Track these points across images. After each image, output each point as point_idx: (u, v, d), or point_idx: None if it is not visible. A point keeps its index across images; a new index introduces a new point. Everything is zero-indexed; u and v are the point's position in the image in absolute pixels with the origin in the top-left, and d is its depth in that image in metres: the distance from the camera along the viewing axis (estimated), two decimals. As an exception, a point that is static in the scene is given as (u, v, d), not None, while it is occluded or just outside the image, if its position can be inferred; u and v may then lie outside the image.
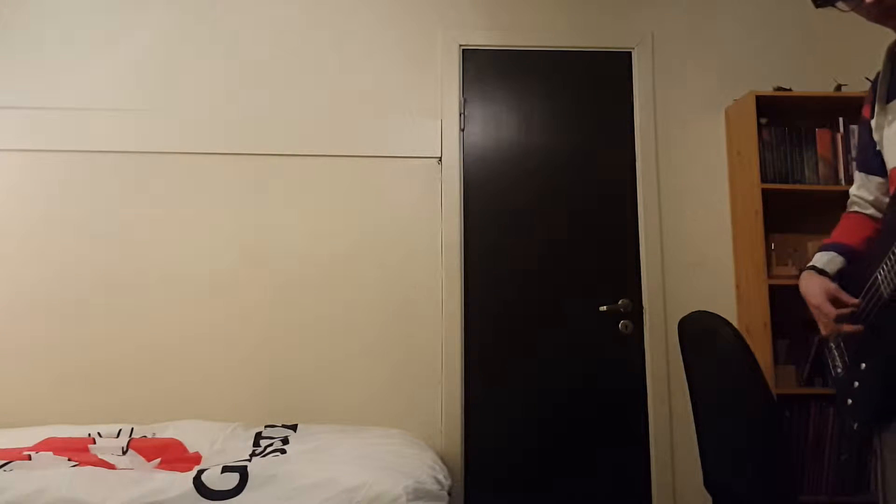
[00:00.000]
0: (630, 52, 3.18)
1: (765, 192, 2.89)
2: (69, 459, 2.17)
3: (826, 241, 1.60)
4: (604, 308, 3.02)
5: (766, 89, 3.12)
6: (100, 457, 2.25)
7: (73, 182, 2.95)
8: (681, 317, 2.29)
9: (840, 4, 1.33)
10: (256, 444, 2.40)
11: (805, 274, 1.54)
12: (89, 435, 2.50)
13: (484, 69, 3.14)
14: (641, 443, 2.97)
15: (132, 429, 2.58)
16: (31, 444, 2.36)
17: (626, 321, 3.01)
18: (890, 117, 1.41)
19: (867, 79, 3.08)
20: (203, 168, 2.99)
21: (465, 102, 3.11)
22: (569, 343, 3.00)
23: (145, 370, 2.86)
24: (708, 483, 2.01)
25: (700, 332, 1.95)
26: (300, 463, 2.11)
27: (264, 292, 2.94)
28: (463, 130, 3.09)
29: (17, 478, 1.93)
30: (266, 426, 2.67)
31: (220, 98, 3.04)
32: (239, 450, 2.33)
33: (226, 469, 2.00)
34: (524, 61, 3.16)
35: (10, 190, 2.93)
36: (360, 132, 3.04)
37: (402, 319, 2.97)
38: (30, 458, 2.16)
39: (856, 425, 1.45)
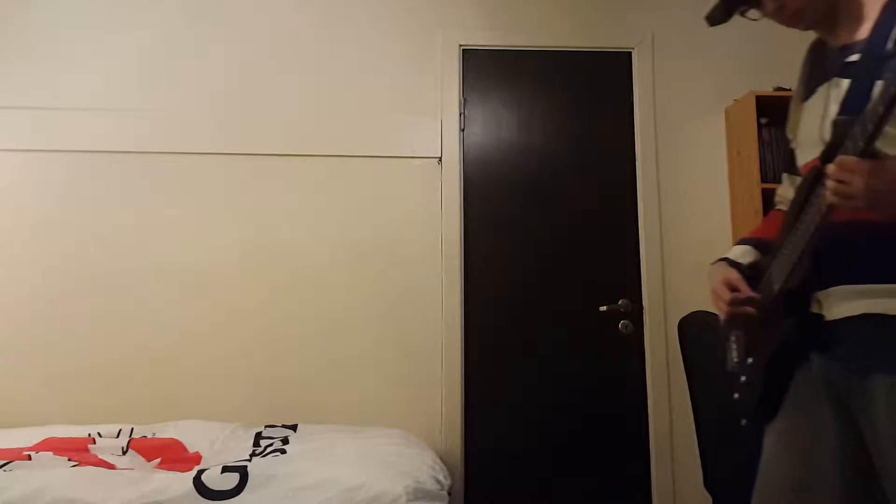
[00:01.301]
0: (630, 52, 3.18)
1: (765, 192, 2.89)
2: (69, 459, 2.17)
3: (745, 234, 1.62)
4: (604, 308, 3.02)
5: (766, 89, 3.12)
6: (100, 457, 2.25)
7: (73, 182, 2.95)
8: (681, 317, 2.29)
9: (751, 13, 1.43)
10: (256, 444, 2.40)
11: (715, 264, 1.55)
12: (89, 435, 2.50)
13: (484, 69, 3.14)
14: (641, 443, 2.96)
15: (132, 429, 2.58)
16: (31, 444, 2.35)
17: (626, 321, 3.01)
18: (805, 115, 1.44)
19: (867, 79, 3.07)
20: (203, 168, 2.99)
21: (465, 102, 3.11)
22: (569, 343, 3.00)
23: (145, 370, 2.86)
24: (708, 483, 2.01)
25: (700, 332, 1.95)
26: (300, 463, 2.11)
27: (264, 292, 2.94)
28: (463, 130, 3.09)
29: (17, 478, 1.94)
30: (266, 426, 2.67)
31: (220, 98, 3.04)
32: (239, 450, 2.33)
33: (226, 469, 2.00)
34: (524, 61, 3.16)
35: (10, 190, 2.92)
36: (360, 132, 3.04)
37: (403, 319, 2.97)
38: (30, 458, 2.16)
39: (743, 421, 1.47)
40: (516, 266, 3.04)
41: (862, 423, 1.26)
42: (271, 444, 2.36)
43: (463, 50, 3.14)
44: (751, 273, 1.46)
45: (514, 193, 3.08)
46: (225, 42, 3.08)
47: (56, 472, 1.98)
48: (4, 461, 2.08)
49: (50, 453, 2.22)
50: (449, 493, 2.27)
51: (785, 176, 1.62)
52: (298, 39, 3.10)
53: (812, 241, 1.22)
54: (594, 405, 2.99)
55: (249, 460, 2.13)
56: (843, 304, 1.26)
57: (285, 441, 2.41)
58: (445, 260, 2.99)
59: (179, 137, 2.99)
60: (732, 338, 1.53)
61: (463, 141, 3.09)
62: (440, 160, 3.05)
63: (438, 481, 2.21)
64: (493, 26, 3.15)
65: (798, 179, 1.53)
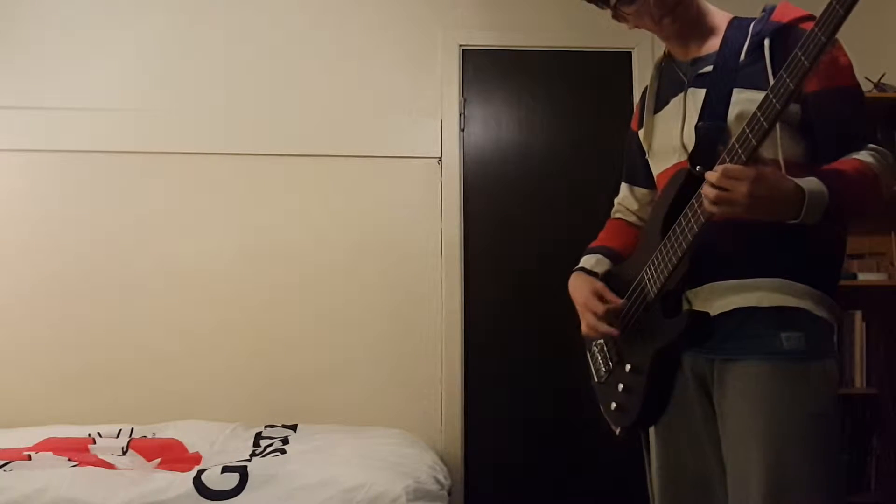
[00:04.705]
0: (630, 52, 3.18)
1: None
2: (69, 459, 2.17)
3: (592, 244, 1.66)
4: (604, 308, 3.01)
5: (766, 89, 3.12)
6: (100, 457, 2.26)
7: (73, 182, 2.94)
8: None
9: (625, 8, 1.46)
10: (256, 444, 2.41)
11: (574, 275, 1.59)
12: (89, 435, 2.50)
13: (484, 69, 3.14)
14: (642, 443, 2.96)
15: (132, 429, 2.58)
16: (31, 444, 2.36)
17: (626, 321, 3.01)
18: (660, 125, 1.49)
19: (867, 79, 3.08)
20: (203, 168, 2.99)
21: (465, 102, 3.11)
22: (569, 343, 2.99)
23: (145, 370, 2.86)
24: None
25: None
26: (300, 463, 2.12)
27: (264, 292, 2.94)
28: (463, 130, 3.09)
29: (17, 478, 1.94)
30: (266, 426, 2.67)
31: (219, 98, 3.04)
32: (239, 450, 2.33)
33: (226, 469, 2.00)
34: (524, 61, 3.16)
35: (10, 190, 2.92)
36: (359, 132, 3.04)
37: (403, 319, 2.96)
38: (30, 458, 2.16)
39: (618, 430, 1.49)
40: (516, 266, 3.04)
41: (718, 414, 1.29)
42: (271, 444, 2.37)
43: (463, 50, 3.13)
44: (605, 282, 1.49)
45: (514, 193, 3.08)
46: (225, 42, 3.08)
47: (56, 472, 1.98)
48: (4, 461, 2.08)
49: (50, 453, 2.22)
50: (449, 493, 2.27)
51: (626, 186, 1.66)
52: (298, 39, 3.10)
53: (695, 243, 1.24)
54: (594, 405, 2.98)
55: (249, 460, 2.13)
56: (717, 300, 1.29)
57: (285, 441, 2.42)
58: (445, 260, 2.99)
59: (179, 137, 2.99)
60: (595, 349, 1.55)
61: (463, 141, 3.09)
62: (440, 160, 3.05)
63: (438, 481, 2.21)
64: (493, 26, 3.15)
65: (641, 191, 1.60)
